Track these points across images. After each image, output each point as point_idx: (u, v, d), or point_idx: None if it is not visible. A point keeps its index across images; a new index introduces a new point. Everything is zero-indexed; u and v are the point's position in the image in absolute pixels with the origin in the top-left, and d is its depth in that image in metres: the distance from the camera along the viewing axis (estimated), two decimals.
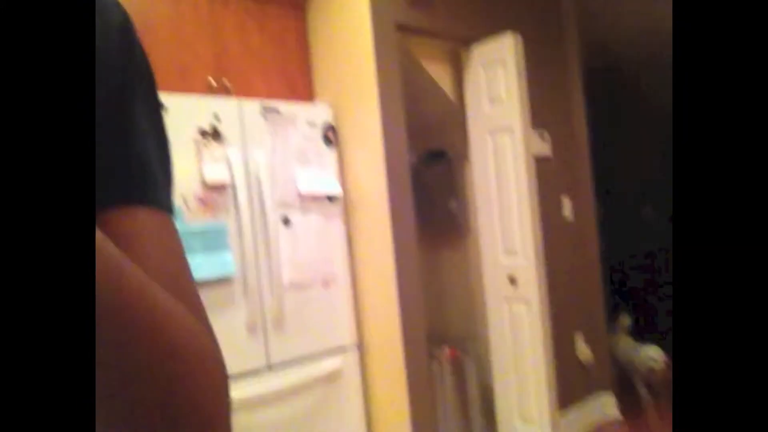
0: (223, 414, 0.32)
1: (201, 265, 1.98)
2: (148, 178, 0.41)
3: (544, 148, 2.94)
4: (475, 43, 2.72)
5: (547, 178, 2.94)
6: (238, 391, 2.05)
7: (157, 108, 0.43)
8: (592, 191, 3.24)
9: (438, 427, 2.49)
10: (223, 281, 2.05)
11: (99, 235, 0.26)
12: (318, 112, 2.37)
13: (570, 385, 3.01)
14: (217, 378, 0.32)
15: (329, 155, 2.38)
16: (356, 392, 2.41)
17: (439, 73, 2.77)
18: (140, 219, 0.38)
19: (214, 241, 2.03)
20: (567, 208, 3.10)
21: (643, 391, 3.16)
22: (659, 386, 3.13)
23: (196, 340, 0.31)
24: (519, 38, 2.60)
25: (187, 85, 2.13)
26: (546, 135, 2.96)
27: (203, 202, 2.02)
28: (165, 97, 1.96)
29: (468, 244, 2.96)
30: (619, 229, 4.30)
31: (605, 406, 3.21)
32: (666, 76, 5.09)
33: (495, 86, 2.66)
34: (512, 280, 2.68)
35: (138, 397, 0.28)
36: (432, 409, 2.44)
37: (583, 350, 3.13)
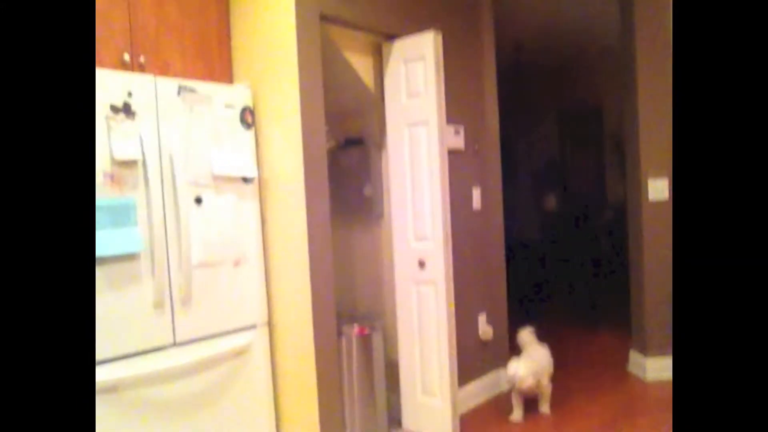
0: None
1: (107, 241, 1.98)
2: None
3: (457, 141, 3.09)
4: (397, 38, 2.81)
5: (459, 169, 3.11)
6: (143, 366, 2.09)
7: None
8: (500, 182, 3.44)
9: (344, 401, 2.64)
10: (129, 257, 2.06)
11: None
12: (236, 94, 2.38)
13: (471, 362, 3.24)
14: None
15: (246, 137, 2.42)
16: (264, 368, 2.50)
17: (361, 65, 2.85)
18: None
19: (122, 217, 2.03)
20: (476, 198, 3.28)
21: (516, 403, 3.10)
22: (532, 399, 3.16)
23: None
24: (439, 36, 2.71)
25: (98, 58, 2.09)
26: (460, 129, 3.12)
27: (112, 178, 2.02)
28: None
29: (381, 228, 3.09)
30: (523, 216, 4.59)
31: (503, 380, 3.47)
32: (575, 74, 5.39)
33: (414, 81, 2.77)
34: (421, 264, 2.84)
35: None
36: (339, 384, 2.57)
37: (485, 329, 3.37)
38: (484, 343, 3.38)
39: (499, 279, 3.47)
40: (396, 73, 2.84)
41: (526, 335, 3.30)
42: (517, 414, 3.10)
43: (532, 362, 3.03)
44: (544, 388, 3.12)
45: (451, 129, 3.02)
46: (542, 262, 5.42)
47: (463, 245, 3.14)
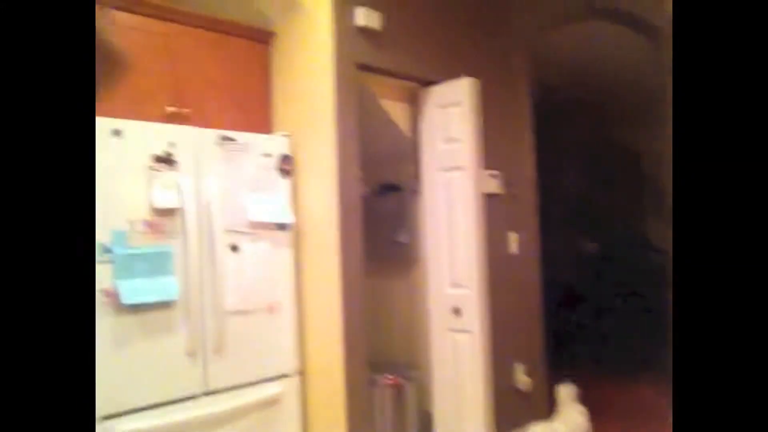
0: None
1: (143, 289, 2.00)
2: None
3: (493, 186, 3.05)
4: (432, 84, 2.82)
5: (495, 214, 3.06)
6: (175, 415, 2.08)
7: None
8: (537, 228, 3.37)
9: None
10: (164, 305, 2.07)
11: None
12: (275, 143, 2.42)
13: (508, 413, 3.11)
14: None
15: (283, 185, 2.43)
16: (296, 418, 2.45)
17: (397, 111, 2.86)
18: None
19: (159, 265, 2.05)
20: (513, 243, 3.22)
21: None
22: None
23: None
24: (475, 82, 2.71)
25: (144, 111, 2.15)
26: (497, 174, 3.09)
27: (151, 227, 2.05)
28: (121, 123, 1.99)
29: (415, 275, 3.05)
30: (561, 262, 4.47)
31: None
32: (609, 115, 5.33)
33: (450, 127, 2.76)
34: (456, 311, 2.78)
35: None
36: None
37: (522, 379, 3.25)
38: (523, 394, 3.26)
39: (536, 326, 3.36)
40: (432, 118, 2.85)
41: (564, 393, 3.08)
42: None
43: (564, 427, 2.76)
44: None
45: (486, 173, 2.98)
46: (579, 305, 5.26)
47: (499, 291, 3.06)
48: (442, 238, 2.82)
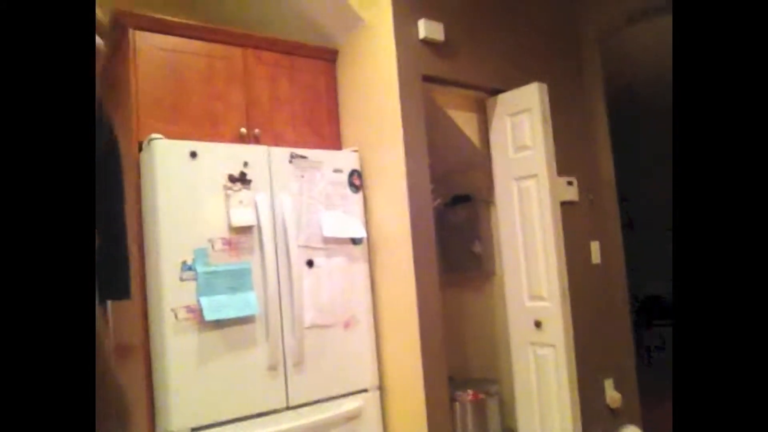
0: None
1: (225, 305, 2.06)
2: (128, 275, 0.50)
3: (570, 193, 2.93)
4: (500, 92, 2.77)
5: (574, 222, 2.93)
6: (258, 430, 2.11)
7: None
8: (620, 233, 3.20)
9: None
10: (245, 321, 2.12)
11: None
12: (344, 159, 2.45)
13: (599, 430, 2.93)
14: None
15: (354, 199, 2.45)
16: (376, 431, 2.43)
17: (465, 121, 2.83)
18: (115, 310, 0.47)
19: (239, 281, 2.11)
20: (595, 252, 3.07)
21: None
22: None
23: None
24: (544, 87, 2.64)
25: (218, 133, 2.25)
26: (572, 181, 2.96)
27: (229, 244, 2.12)
28: (197, 145, 2.08)
29: (492, 287, 2.96)
30: (649, 272, 4.21)
31: None
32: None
33: (520, 134, 2.69)
34: (537, 324, 2.66)
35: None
36: None
37: (612, 396, 3.06)
38: (613, 411, 3.06)
39: (625, 339, 3.17)
40: (501, 127, 2.79)
41: None
42: None
43: None
44: None
45: (562, 180, 2.87)
46: (668, 318, 4.93)
47: (583, 303, 2.91)
48: (518, 248, 2.73)
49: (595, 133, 3.19)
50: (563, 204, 2.74)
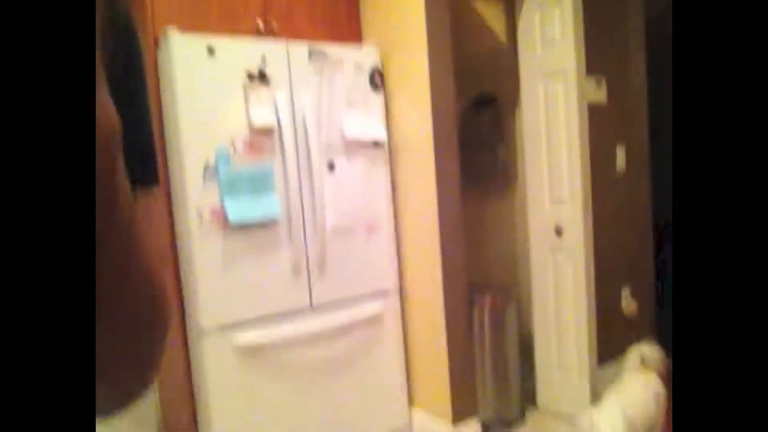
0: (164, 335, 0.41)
1: (248, 207, 2.03)
2: (154, 161, 0.46)
3: (598, 95, 2.81)
4: None
5: (601, 127, 2.83)
6: (283, 329, 2.15)
7: (144, 77, 0.46)
8: (648, 142, 3.10)
9: (475, 373, 2.54)
10: (269, 223, 2.11)
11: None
12: (365, 56, 2.33)
13: (612, 338, 2.99)
14: (169, 312, 0.41)
15: (376, 100, 2.36)
16: (396, 336, 2.48)
17: (491, 14, 2.66)
18: (148, 199, 0.43)
19: (261, 183, 2.07)
20: (620, 158, 2.99)
21: None
22: None
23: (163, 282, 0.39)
24: None
25: (235, 27, 2.13)
26: (601, 81, 2.83)
27: (250, 146, 2.06)
28: (214, 40, 1.98)
29: (514, 194, 2.92)
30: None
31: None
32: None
33: (550, 28, 2.54)
34: (558, 231, 2.64)
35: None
36: (470, 356, 2.48)
37: (629, 304, 3.09)
38: (628, 319, 3.11)
39: (645, 248, 3.15)
40: (530, 20, 2.62)
41: (633, 359, 2.21)
42: None
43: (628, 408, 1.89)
44: None
45: (591, 81, 2.74)
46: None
47: (605, 210, 2.87)
48: (542, 152, 2.66)
49: (628, 29, 3.00)
50: (590, 106, 2.63)
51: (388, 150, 2.43)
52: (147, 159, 0.47)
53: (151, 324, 0.39)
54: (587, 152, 2.54)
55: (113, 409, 0.39)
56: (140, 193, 0.42)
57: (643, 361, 2.17)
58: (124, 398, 0.40)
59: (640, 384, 2.06)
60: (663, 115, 3.85)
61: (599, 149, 2.80)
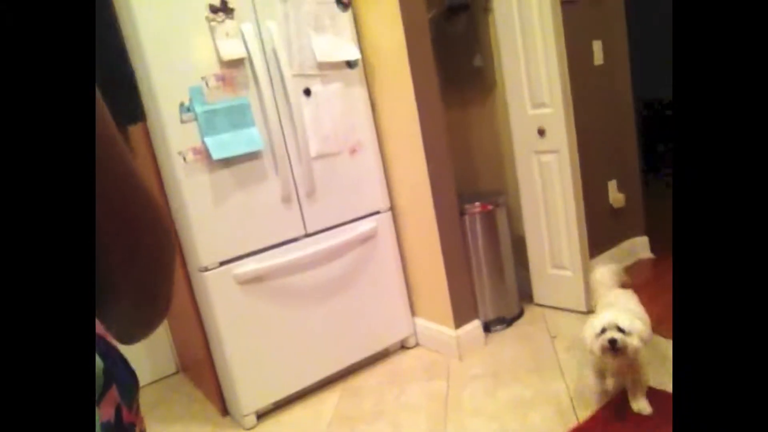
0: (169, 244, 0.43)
1: (229, 142, 2.05)
2: (138, 100, 0.48)
3: None
4: None
5: (576, 23, 2.79)
6: (282, 257, 2.22)
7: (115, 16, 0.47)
8: (625, 33, 3.05)
9: (472, 278, 2.65)
10: (253, 157, 2.13)
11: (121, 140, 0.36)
12: None
13: (602, 231, 3.09)
14: (162, 217, 0.43)
15: (344, 18, 2.31)
16: (392, 252, 2.56)
17: None
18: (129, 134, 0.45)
19: (239, 118, 2.08)
20: (598, 52, 2.96)
21: (595, 381, 1.99)
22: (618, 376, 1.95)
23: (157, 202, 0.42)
24: None
25: None
26: None
27: (223, 80, 2.05)
28: None
29: (494, 100, 2.91)
30: (652, 71, 4.08)
31: (638, 248, 3.30)
32: None
33: None
34: (541, 132, 2.67)
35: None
36: (466, 262, 2.58)
37: (616, 197, 3.16)
38: (616, 212, 3.19)
39: (629, 141, 3.19)
40: None
41: (604, 276, 2.18)
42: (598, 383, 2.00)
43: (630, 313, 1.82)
44: (639, 366, 1.84)
45: None
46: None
47: (586, 107, 2.88)
48: (519, 56, 2.64)
49: None
50: (564, 2, 2.58)
51: (364, 69, 2.41)
52: (132, 96, 0.49)
53: (160, 245, 0.42)
54: (564, 52, 2.52)
55: (134, 335, 0.43)
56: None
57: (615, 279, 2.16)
58: (144, 324, 0.43)
59: (625, 294, 2.05)
60: (639, 5, 3.75)
61: (575, 45, 2.77)
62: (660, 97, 4.77)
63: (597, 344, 1.75)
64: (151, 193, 0.41)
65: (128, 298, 0.40)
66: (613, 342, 1.72)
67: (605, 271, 2.19)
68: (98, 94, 0.33)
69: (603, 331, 1.74)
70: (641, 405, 1.87)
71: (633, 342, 1.72)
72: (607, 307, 1.89)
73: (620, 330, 1.72)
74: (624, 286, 2.19)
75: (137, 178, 0.39)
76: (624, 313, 1.79)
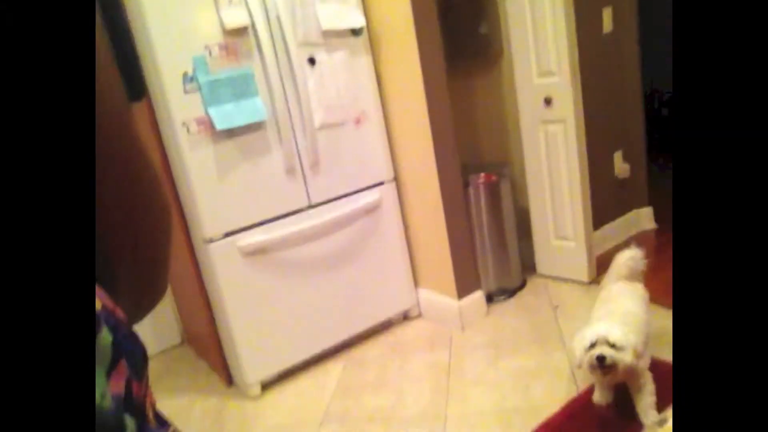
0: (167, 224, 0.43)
1: (232, 113, 2.02)
2: (141, 76, 0.47)
3: None
4: None
5: None
6: (286, 229, 2.22)
7: None
8: (636, 1, 2.98)
9: (475, 248, 2.66)
10: (256, 127, 2.11)
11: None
12: None
13: (607, 202, 3.08)
14: (166, 200, 0.42)
15: None
16: (396, 223, 2.56)
17: None
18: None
19: (242, 87, 2.05)
20: (607, 19, 2.89)
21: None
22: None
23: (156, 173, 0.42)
24: None
25: None
26: None
27: (226, 49, 2.01)
28: None
29: (501, 69, 2.87)
30: (662, 43, 3.99)
31: (642, 219, 3.29)
32: None
33: None
34: (548, 101, 2.63)
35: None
36: (469, 233, 2.58)
37: (622, 167, 3.14)
38: (622, 182, 3.18)
39: (635, 111, 3.15)
40: None
41: (624, 263, 1.97)
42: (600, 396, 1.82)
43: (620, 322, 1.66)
44: (638, 373, 1.66)
45: None
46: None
47: (594, 75, 2.84)
48: (526, 23, 2.58)
49: None
50: None
51: (369, 38, 2.36)
52: (133, 72, 0.49)
53: (162, 227, 0.42)
54: (573, 20, 2.46)
55: (134, 316, 0.43)
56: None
57: (630, 268, 1.95)
58: (143, 304, 0.44)
59: (630, 290, 1.89)
60: None
61: (584, 11, 2.71)
62: (668, 70, 4.68)
63: (585, 360, 1.60)
64: (158, 174, 0.41)
65: (127, 281, 0.40)
66: (601, 359, 1.57)
67: (627, 259, 1.96)
68: (118, 80, 0.32)
69: (593, 345, 1.59)
70: (652, 418, 1.65)
71: (625, 359, 1.56)
72: (604, 305, 1.80)
73: (611, 345, 1.57)
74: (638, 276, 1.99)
75: (148, 161, 0.39)
76: (618, 324, 1.63)
